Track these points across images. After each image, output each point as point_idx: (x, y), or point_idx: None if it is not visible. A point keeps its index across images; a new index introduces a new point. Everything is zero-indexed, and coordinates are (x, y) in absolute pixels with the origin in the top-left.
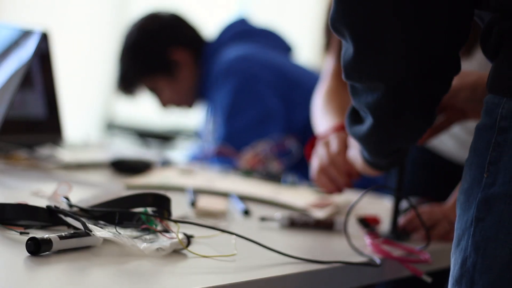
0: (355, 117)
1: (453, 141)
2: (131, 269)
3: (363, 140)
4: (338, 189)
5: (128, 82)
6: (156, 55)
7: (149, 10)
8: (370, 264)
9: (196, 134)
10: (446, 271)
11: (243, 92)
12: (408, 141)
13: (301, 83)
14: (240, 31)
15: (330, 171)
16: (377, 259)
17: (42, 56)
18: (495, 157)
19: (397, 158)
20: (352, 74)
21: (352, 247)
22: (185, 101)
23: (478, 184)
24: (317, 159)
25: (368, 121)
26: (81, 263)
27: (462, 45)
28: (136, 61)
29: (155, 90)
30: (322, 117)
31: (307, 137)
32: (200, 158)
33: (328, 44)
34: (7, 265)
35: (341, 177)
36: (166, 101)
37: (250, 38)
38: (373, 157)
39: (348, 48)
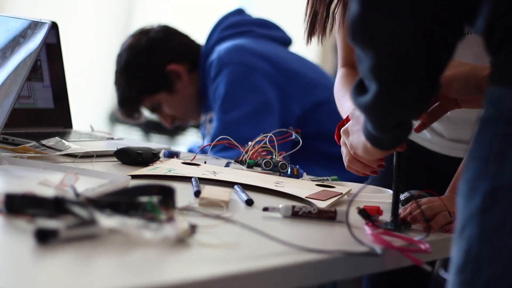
0: (360, 88)
1: (429, 132)
2: (136, 258)
3: (368, 109)
4: (375, 172)
5: (129, 106)
6: (151, 73)
7: (138, 27)
8: (370, 253)
9: (198, 130)
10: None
11: (238, 82)
12: (412, 111)
13: (297, 75)
14: (235, 22)
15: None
16: (377, 249)
17: (51, 47)
18: (502, 148)
19: (400, 135)
20: (357, 35)
21: (353, 237)
22: (191, 112)
23: (483, 175)
24: (344, 147)
25: (373, 89)
26: (86, 252)
27: (466, 10)
28: (133, 84)
29: (157, 109)
30: (340, 100)
31: (302, 128)
32: (196, 151)
33: (311, 33)
34: (13, 253)
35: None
36: (171, 118)
37: (244, 29)
38: (377, 130)
39: (353, 6)
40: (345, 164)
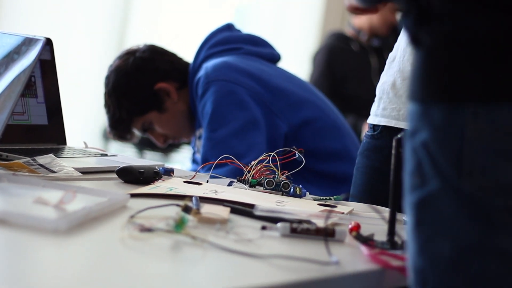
0: None
1: None
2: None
3: None
4: None
5: (120, 128)
6: (140, 93)
7: (123, 49)
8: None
9: (190, 147)
10: None
11: (225, 100)
12: None
13: (284, 92)
14: (223, 39)
15: None
16: (334, 258)
17: (45, 64)
18: (419, 161)
19: None
20: None
21: (326, 249)
22: (183, 129)
23: (410, 189)
24: None
25: None
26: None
27: None
28: (122, 105)
29: (149, 129)
30: None
31: (291, 146)
32: (195, 169)
33: None
34: None
35: None
36: (163, 137)
37: (232, 46)
38: None
39: None
40: None
